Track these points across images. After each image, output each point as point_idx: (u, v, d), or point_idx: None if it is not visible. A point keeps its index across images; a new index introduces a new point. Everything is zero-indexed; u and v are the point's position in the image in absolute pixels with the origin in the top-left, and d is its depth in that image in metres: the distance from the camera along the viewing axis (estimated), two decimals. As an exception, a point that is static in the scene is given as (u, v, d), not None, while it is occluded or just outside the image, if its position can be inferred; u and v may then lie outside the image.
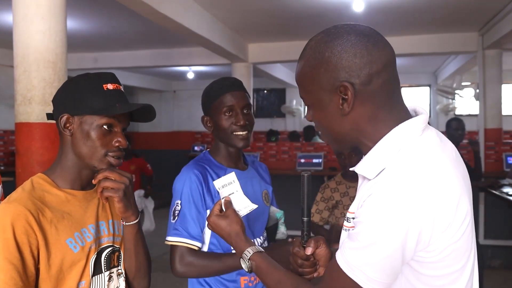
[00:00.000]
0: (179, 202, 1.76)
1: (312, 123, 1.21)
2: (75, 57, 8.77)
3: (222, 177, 1.56)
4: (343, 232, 1.13)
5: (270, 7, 6.27)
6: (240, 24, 7.19)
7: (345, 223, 1.11)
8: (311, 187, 1.28)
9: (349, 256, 1.01)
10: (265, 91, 13.60)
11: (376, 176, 1.03)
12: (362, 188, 1.09)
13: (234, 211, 1.47)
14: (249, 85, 8.40)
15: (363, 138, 1.09)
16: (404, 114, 1.08)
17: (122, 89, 1.43)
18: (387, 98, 1.06)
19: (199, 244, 1.75)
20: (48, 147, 3.30)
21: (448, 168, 1.02)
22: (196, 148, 11.75)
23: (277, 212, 2.02)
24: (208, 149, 1.96)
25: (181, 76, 12.23)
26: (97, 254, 1.40)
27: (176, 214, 1.75)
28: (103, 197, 1.40)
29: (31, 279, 1.27)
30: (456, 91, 9.27)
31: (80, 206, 1.41)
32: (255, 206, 1.54)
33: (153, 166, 6.66)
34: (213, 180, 1.69)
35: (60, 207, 1.36)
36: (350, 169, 1.17)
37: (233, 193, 1.53)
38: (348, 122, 1.07)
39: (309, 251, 1.26)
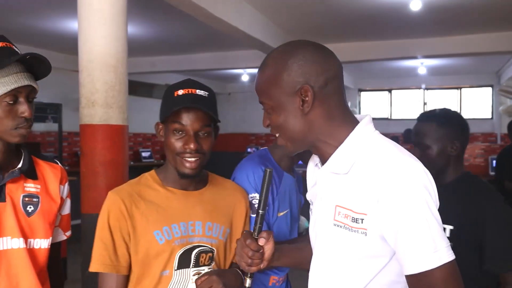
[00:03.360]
0: (256, 194, 1.74)
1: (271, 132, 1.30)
2: (134, 61, 9.06)
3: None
4: (333, 228, 1.20)
5: (325, 8, 6.24)
6: (295, 26, 7.19)
7: (347, 221, 1.17)
8: (270, 181, 1.35)
9: (429, 246, 1.07)
10: (320, 93, 13.49)
11: (349, 170, 1.17)
12: (337, 182, 1.20)
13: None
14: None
15: (322, 136, 1.22)
16: (352, 114, 1.25)
17: (198, 93, 1.47)
18: (339, 100, 1.23)
19: None
20: (109, 147, 3.45)
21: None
22: (249, 150, 11.84)
23: (305, 221, 2.06)
24: (266, 147, 1.97)
25: (236, 78, 12.37)
26: (185, 250, 1.48)
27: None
28: None
29: (123, 259, 1.47)
30: (521, 92, 8.85)
31: (178, 203, 1.52)
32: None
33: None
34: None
35: (157, 201, 1.51)
36: (322, 168, 1.25)
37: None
38: (308, 122, 1.20)
39: (262, 241, 1.34)
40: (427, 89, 12.46)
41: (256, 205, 1.73)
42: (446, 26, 7.01)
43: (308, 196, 1.40)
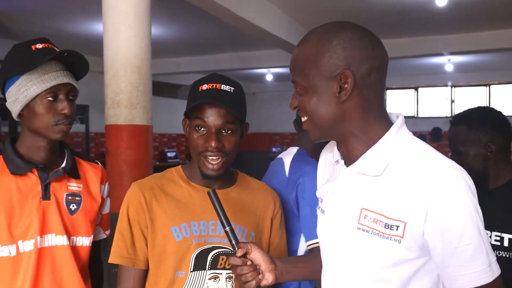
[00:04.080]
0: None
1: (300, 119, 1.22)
2: (160, 62, 9.16)
3: None
4: (356, 231, 1.11)
5: (349, 6, 6.19)
6: (319, 24, 7.14)
7: (376, 226, 1.08)
8: (218, 199, 1.30)
9: (479, 261, 1.03)
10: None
11: (383, 172, 1.09)
12: (365, 184, 1.12)
13: None
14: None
15: (355, 130, 1.12)
16: (387, 113, 1.16)
17: (223, 88, 1.42)
18: (379, 95, 1.13)
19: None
20: (134, 147, 3.49)
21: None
22: (274, 149, 11.83)
23: None
24: (297, 147, 1.89)
25: (260, 78, 12.38)
26: (202, 251, 1.41)
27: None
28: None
29: (140, 252, 1.43)
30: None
31: (200, 201, 1.45)
32: None
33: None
34: None
35: (178, 197, 1.46)
36: (350, 167, 1.16)
37: None
38: (342, 111, 1.10)
39: (239, 252, 1.26)
40: (454, 86, 12.24)
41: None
42: (473, 21, 6.87)
43: (319, 193, 1.32)
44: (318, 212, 1.30)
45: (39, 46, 1.46)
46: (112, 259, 1.44)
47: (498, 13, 6.52)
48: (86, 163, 1.66)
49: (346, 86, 1.08)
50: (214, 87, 1.40)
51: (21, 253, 1.44)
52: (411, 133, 1.15)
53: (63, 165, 1.54)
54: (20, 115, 1.48)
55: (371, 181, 1.11)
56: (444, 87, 12.32)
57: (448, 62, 10.03)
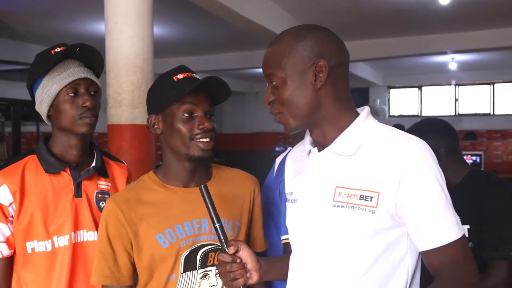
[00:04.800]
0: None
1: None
2: (163, 62, 9.15)
3: None
4: (332, 209, 1.20)
5: (352, 5, 6.17)
6: (321, 24, 7.08)
7: (351, 200, 1.18)
8: (210, 195, 1.31)
9: (448, 219, 1.15)
10: (348, 91, 13.37)
11: (357, 151, 1.21)
12: (339, 164, 1.23)
13: None
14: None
15: (328, 116, 1.24)
16: (353, 104, 1.30)
17: (195, 76, 1.43)
18: (347, 86, 1.28)
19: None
20: (136, 147, 3.48)
21: None
22: (277, 149, 11.82)
23: None
24: (290, 148, 1.94)
25: (263, 77, 12.33)
26: (191, 251, 1.40)
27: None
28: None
29: (125, 268, 1.40)
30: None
31: (180, 202, 1.43)
32: None
33: (236, 166, 6.78)
34: None
35: (157, 203, 1.42)
36: (325, 149, 1.26)
37: None
38: (317, 98, 1.22)
39: (231, 250, 1.29)
40: (458, 85, 12.20)
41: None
42: (477, 19, 6.84)
43: (289, 188, 1.39)
44: (289, 205, 1.38)
45: (58, 49, 1.55)
46: (96, 279, 1.41)
47: (502, 11, 6.49)
48: (113, 162, 1.75)
49: (321, 74, 1.20)
50: (189, 75, 1.42)
51: (57, 248, 1.52)
52: (376, 120, 1.29)
53: (93, 164, 1.62)
54: (49, 116, 1.57)
55: (345, 161, 1.22)
56: (448, 86, 12.28)
57: (452, 61, 10.00)
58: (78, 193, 1.56)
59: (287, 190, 1.41)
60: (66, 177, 1.56)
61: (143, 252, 1.38)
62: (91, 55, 1.58)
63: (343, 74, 1.26)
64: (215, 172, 1.54)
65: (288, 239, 1.58)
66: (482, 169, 7.61)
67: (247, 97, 13.90)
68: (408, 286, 1.21)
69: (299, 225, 1.31)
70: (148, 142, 3.57)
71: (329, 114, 1.24)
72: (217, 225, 1.29)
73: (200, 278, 1.42)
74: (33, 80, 1.56)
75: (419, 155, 1.16)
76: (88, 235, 1.57)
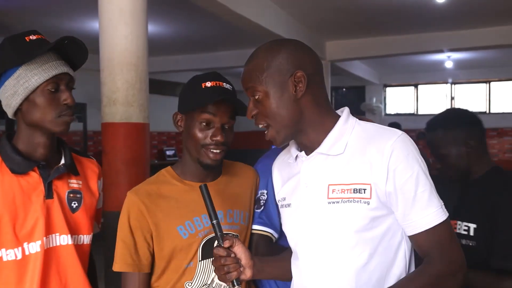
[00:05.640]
0: (265, 192, 1.75)
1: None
2: (158, 60, 9.12)
3: None
4: (327, 206, 1.26)
5: (348, 4, 6.16)
6: (317, 22, 7.12)
7: (345, 195, 1.24)
8: (209, 194, 1.37)
9: (433, 203, 1.22)
10: (344, 89, 13.39)
11: (345, 149, 1.28)
12: (328, 164, 1.29)
13: None
14: (327, 83, 8.28)
15: (312, 122, 1.30)
16: (333, 108, 1.36)
17: (224, 86, 1.47)
18: (324, 92, 1.34)
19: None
20: (131, 146, 3.46)
21: None
22: (273, 147, 11.81)
23: None
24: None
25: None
26: (208, 240, 1.48)
27: (261, 204, 1.74)
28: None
29: (144, 257, 1.48)
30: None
31: (198, 196, 1.45)
32: None
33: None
34: None
35: (177, 197, 1.51)
36: (314, 152, 1.31)
37: None
38: (299, 107, 1.28)
39: (226, 243, 1.34)
40: (454, 83, 12.21)
41: (262, 201, 1.72)
42: (473, 18, 6.84)
43: (281, 194, 1.45)
44: (283, 210, 1.43)
45: (33, 37, 1.43)
46: (118, 267, 1.47)
47: (498, 9, 6.49)
48: (83, 158, 1.63)
49: (300, 84, 1.26)
50: (217, 84, 1.47)
51: (27, 255, 1.40)
52: (356, 119, 1.35)
53: (63, 161, 1.50)
54: (17, 110, 1.43)
55: (335, 160, 1.29)
56: (444, 84, 12.29)
57: (448, 59, 10.00)
58: (49, 193, 1.44)
59: (278, 197, 1.48)
60: (35, 177, 1.43)
61: (163, 242, 1.47)
62: (76, 49, 1.47)
63: (319, 81, 1.32)
64: (225, 167, 1.63)
65: (260, 230, 1.66)
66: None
67: (243, 95, 13.82)
68: (407, 271, 1.28)
69: (297, 227, 1.36)
70: (142, 141, 3.55)
71: (313, 120, 1.30)
72: (214, 221, 1.35)
73: None
74: (4, 69, 1.41)
75: (403, 146, 1.23)
76: (61, 239, 1.45)
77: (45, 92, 1.40)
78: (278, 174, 1.50)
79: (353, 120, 1.34)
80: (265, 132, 1.34)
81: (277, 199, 1.50)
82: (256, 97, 1.31)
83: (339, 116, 1.34)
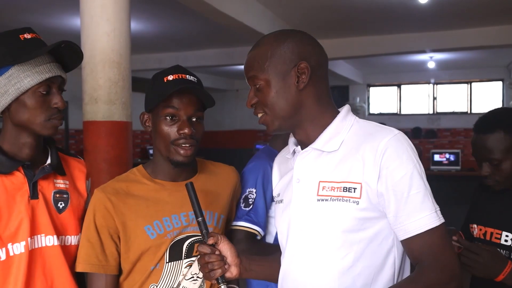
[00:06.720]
0: (254, 190, 1.76)
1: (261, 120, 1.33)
2: (142, 58, 9.05)
3: None
4: (316, 203, 1.23)
5: (332, 3, 6.17)
6: (302, 21, 7.12)
7: (335, 193, 1.21)
8: (195, 191, 1.36)
9: (427, 207, 1.17)
10: (328, 89, 13.42)
11: (339, 147, 1.25)
12: (322, 160, 1.27)
13: None
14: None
15: (310, 116, 1.28)
16: (334, 103, 1.34)
17: (187, 78, 1.43)
18: (327, 86, 1.32)
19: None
20: (113, 144, 3.42)
21: None
22: (258, 146, 11.81)
23: None
24: (267, 144, 1.96)
25: (244, 74, 12.30)
26: (177, 241, 1.43)
27: (250, 202, 1.75)
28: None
29: (112, 257, 1.42)
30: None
31: (168, 196, 1.46)
32: None
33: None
34: None
35: (146, 196, 1.45)
36: (309, 147, 1.29)
37: None
38: (300, 99, 1.26)
39: (210, 240, 1.32)
40: (436, 83, 12.33)
41: (251, 199, 1.74)
42: (455, 19, 6.91)
43: (277, 190, 1.43)
44: (277, 206, 1.41)
45: (27, 36, 1.40)
46: (82, 267, 1.42)
47: (480, 11, 6.56)
48: (70, 158, 1.60)
49: (303, 76, 1.24)
50: (180, 77, 1.42)
51: (12, 256, 1.37)
52: (356, 117, 1.32)
53: (49, 161, 1.47)
54: (4, 109, 1.39)
55: (328, 157, 1.26)
56: (427, 84, 12.40)
57: (430, 60, 10.09)
58: (34, 194, 1.41)
59: (274, 193, 1.46)
60: (19, 177, 1.41)
61: (130, 242, 1.41)
62: (71, 52, 1.44)
63: (323, 75, 1.30)
64: (200, 166, 1.58)
65: (247, 227, 1.68)
66: (460, 167, 7.71)
67: (228, 94, 13.84)
68: (395, 280, 1.23)
69: (287, 223, 1.34)
70: (125, 139, 3.51)
71: (312, 114, 1.28)
72: (199, 219, 1.34)
73: (185, 268, 1.45)
74: None
75: (398, 145, 1.19)
76: (46, 240, 1.42)
77: (36, 94, 1.37)
78: (277, 169, 1.48)
79: (352, 117, 1.31)
80: (259, 116, 1.31)
81: (273, 195, 1.48)
82: (257, 86, 1.28)
83: (338, 112, 1.32)
